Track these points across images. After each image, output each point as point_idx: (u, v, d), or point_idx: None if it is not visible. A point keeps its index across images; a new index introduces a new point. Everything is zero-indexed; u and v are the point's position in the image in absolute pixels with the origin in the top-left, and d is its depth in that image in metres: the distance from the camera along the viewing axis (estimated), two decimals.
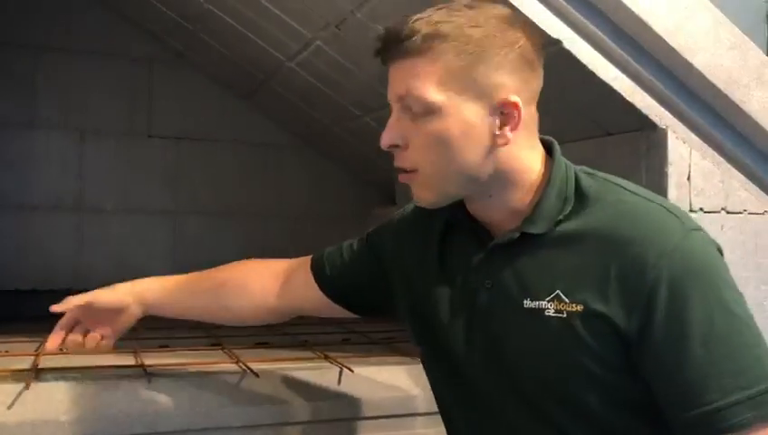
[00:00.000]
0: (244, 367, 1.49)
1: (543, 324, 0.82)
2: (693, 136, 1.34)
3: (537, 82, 0.87)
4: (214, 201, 2.73)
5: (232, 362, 1.57)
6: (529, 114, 0.85)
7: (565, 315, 0.81)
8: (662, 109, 1.33)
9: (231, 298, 1.27)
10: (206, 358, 1.63)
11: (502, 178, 0.86)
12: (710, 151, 1.36)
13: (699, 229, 0.81)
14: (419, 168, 0.84)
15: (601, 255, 0.80)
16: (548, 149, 0.90)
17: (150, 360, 1.56)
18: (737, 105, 1.35)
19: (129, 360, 1.59)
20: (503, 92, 0.82)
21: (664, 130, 1.32)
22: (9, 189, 2.45)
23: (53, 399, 1.31)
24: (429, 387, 1.06)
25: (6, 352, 1.72)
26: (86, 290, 2.50)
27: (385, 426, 1.45)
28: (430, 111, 0.81)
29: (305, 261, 1.25)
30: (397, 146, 0.85)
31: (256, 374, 1.44)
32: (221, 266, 1.33)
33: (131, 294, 1.32)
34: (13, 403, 1.25)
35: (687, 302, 0.75)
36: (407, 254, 1.02)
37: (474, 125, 0.82)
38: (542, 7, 1.22)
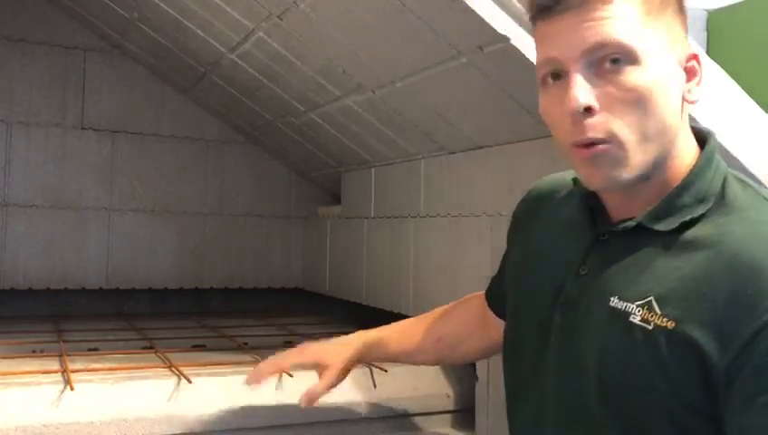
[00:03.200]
0: (177, 372, 1.42)
1: (625, 330, 0.71)
2: None
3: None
4: (151, 198, 2.63)
5: (164, 368, 1.49)
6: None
7: (651, 327, 0.69)
8: None
9: (449, 354, 1.20)
10: (139, 362, 1.55)
11: (667, 151, 0.74)
12: None
13: None
14: (616, 134, 0.70)
15: (716, 272, 0.67)
16: (700, 140, 0.79)
17: (76, 365, 1.47)
18: None
19: (53, 365, 1.50)
20: (685, 43, 0.74)
21: None
22: None
23: None
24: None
25: None
26: (11, 290, 2.39)
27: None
28: (632, 59, 0.70)
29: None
30: (589, 110, 0.70)
31: (189, 380, 1.37)
32: (427, 319, 1.20)
33: (358, 354, 1.19)
34: None
35: None
36: (522, 229, 0.95)
37: (671, 78, 0.72)
38: (489, 2, 1.18)
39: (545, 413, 0.81)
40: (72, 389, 1.28)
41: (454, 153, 1.71)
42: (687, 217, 0.73)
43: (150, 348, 1.76)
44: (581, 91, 0.70)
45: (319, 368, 1.16)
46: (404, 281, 1.92)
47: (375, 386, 1.52)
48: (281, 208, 2.80)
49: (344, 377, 1.17)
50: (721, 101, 1.23)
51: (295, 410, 1.32)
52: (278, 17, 1.57)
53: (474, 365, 1.53)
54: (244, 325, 2.25)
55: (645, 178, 0.74)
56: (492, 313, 1.08)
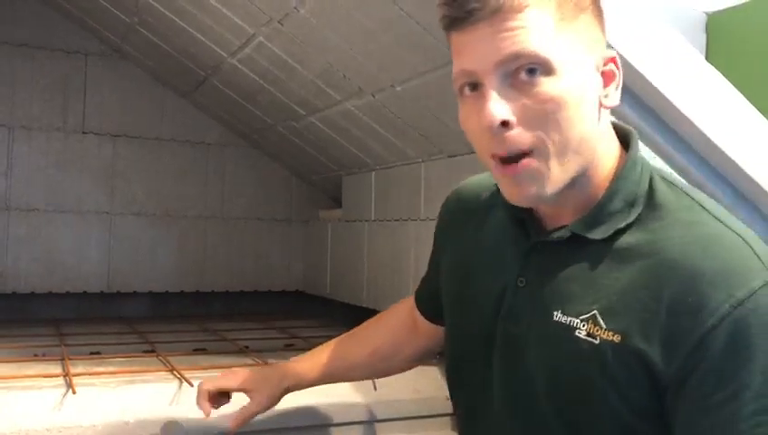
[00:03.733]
0: (178, 375, 1.43)
1: (570, 344, 0.71)
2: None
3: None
4: (152, 202, 2.63)
5: (166, 371, 1.50)
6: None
7: (597, 342, 0.69)
8: None
9: (383, 366, 1.17)
10: (140, 365, 1.56)
11: (588, 160, 0.73)
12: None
13: None
14: (536, 146, 0.69)
15: (657, 279, 0.67)
16: (622, 139, 0.78)
17: (78, 368, 1.48)
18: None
19: (55, 369, 1.51)
20: (602, 46, 0.72)
21: None
22: None
23: None
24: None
25: None
26: (13, 294, 2.39)
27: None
28: (547, 70, 0.68)
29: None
30: (506, 124, 0.69)
31: (190, 383, 1.37)
32: (359, 334, 1.18)
33: (285, 384, 1.14)
34: None
35: (750, 361, 0.63)
36: (450, 233, 0.94)
37: (587, 85, 0.71)
38: None
39: (500, 428, 0.80)
40: (74, 392, 1.29)
41: (454, 156, 1.72)
42: (622, 224, 0.72)
43: (152, 351, 1.76)
44: (496, 106, 0.68)
45: (247, 393, 1.13)
46: (405, 284, 1.93)
47: (375, 388, 1.52)
48: (281, 212, 2.81)
49: (273, 404, 1.14)
50: (719, 107, 1.23)
51: (295, 414, 1.33)
52: (278, 22, 1.58)
53: None
54: (245, 328, 2.26)
55: (569, 187, 0.73)
56: (421, 318, 1.07)
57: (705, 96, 1.26)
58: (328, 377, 1.15)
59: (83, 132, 2.54)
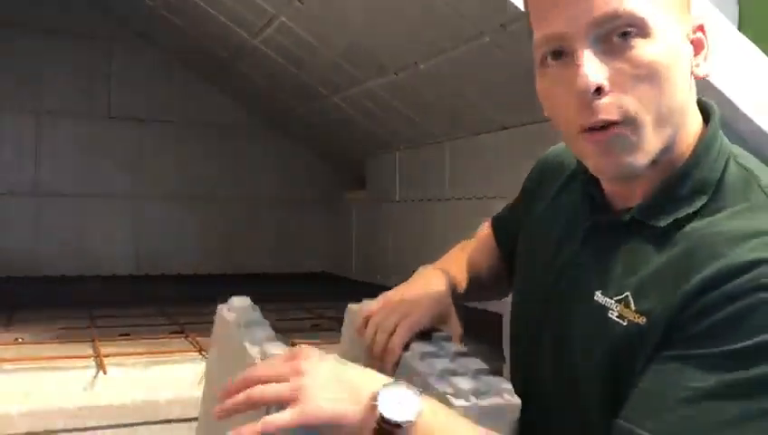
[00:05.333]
0: (206, 356, 1.44)
1: (604, 325, 0.69)
2: None
3: None
4: (177, 185, 2.66)
5: (194, 351, 1.52)
6: None
7: (625, 323, 0.67)
8: None
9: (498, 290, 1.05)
10: (169, 346, 1.58)
11: (676, 133, 0.68)
12: None
13: None
14: (631, 114, 0.65)
15: (689, 263, 0.64)
16: (704, 115, 0.73)
17: (108, 349, 1.50)
18: None
19: (86, 350, 1.53)
20: (690, 13, 0.69)
21: None
22: None
23: (2, 392, 1.25)
24: None
25: None
26: (45, 278, 2.44)
27: None
28: (644, 32, 0.63)
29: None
30: (600, 90, 0.64)
31: None
32: (474, 254, 1.06)
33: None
34: None
35: (731, 333, 0.59)
36: (535, 194, 0.91)
37: (681, 51, 0.66)
38: None
39: (550, 411, 0.78)
40: (104, 372, 1.31)
41: (478, 135, 1.70)
42: (682, 214, 0.68)
43: (180, 332, 1.78)
44: (591, 69, 0.64)
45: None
46: (430, 263, 1.92)
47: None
48: (307, 193, 2.81)
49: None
50: (752, 79, 1.20)
51: None
52: (299, 1, 1.57)
53: (501, 347, 1.53)
54: (271, 309, 2.26)
55: (654, 162, 0.69)
56: (495, 244, 1.02)
57: (738, 67, 1.23)
58: (469, 294, 1.01)
59: (110, 117, 2.56)
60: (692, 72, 0.69)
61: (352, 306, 0.96)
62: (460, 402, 0.72)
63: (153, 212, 2.62)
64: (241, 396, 0.69)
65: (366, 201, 2.45)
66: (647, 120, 0.65)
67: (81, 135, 2.52)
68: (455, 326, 0.90)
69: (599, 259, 0.74)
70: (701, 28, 0.69)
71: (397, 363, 0.84)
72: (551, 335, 0.78)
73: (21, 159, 2.43)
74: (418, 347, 0.83)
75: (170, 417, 1.33)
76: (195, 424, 1.15)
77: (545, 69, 0.69)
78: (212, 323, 2.14)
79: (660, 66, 0.64)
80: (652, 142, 0.66)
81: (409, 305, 0.88)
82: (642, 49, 0.64)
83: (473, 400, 0.73)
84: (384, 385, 0.65)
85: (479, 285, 1.01)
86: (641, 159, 0.67)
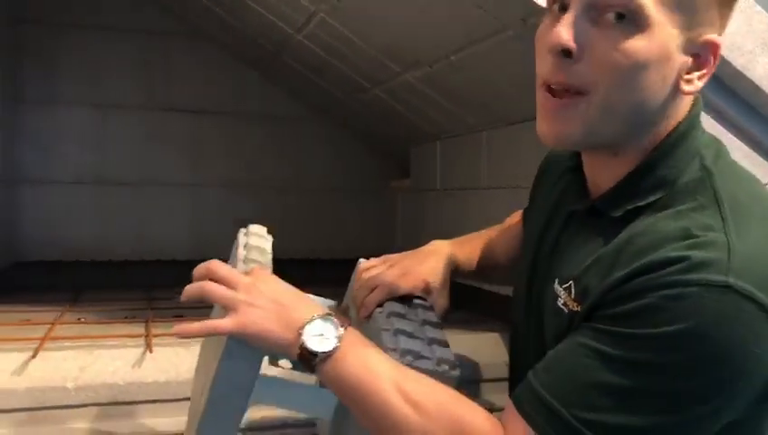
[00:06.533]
0: None
1: (552, 312, 0.74)
2: None
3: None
4: (232, 174, 2.77)
5: None
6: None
7: (566, 311, 0.71)
8: None
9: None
10: None
11: (639, 134, 0.71)
12: (711, 121, 1.32)
13: (753, 300, 0.60)
14: (591, 89, 0.66)
15: (623, 251, 0.67)
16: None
17: (159, 329, 1.61)
18: (740, 72, 1.30)
19: (139, 330, 1.65)
20: (709, 30, 0.67)
21: None
22: (31, 164, 2.52)
23: (61, 366, 1.37)
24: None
25: (28, 320, 1.79)
26: (108, 262, 2.59)
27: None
28: (635, 21, 0.64)
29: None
30: (569, 52, 0.66)
31: None
32: (497, 237, 1.11)
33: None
34: (22, 370, 1.32)
35: (646, 319, 0.62)
36: (537, 190, 0.97)
37: (667, 59, 0.66)
38: None
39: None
40: (150, 351, 1.41)
41: (513, 124, 1.72)
42: (632, 207, 0.70)
43: None
44: (565, 30, 0.66)
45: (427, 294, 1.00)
46: None
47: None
48: (355, 182, 2.88)
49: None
50: None
51: None
52: None
53: None
54: (320, 293, 2.35)
55: (612, 153, 0.72)
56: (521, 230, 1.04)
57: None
58: (478, 274, 1.06)
59: (168, 110, 2.69)
60: (678, 86, 0.68)
61: (360, 262, 1.03)
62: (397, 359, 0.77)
63: (209, 200, 2.74)
64: (196, 285, 0.80)
65: (409, 190, 2.50)
66: (598, 102, 0.67)
67: (140, 126, 2.65)
68: (439, 300, 0.97)
69: (565, 247, 0.78)
70: (713, 49, 0.67)
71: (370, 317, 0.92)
72: (533, 321, 0.82)
73: (85, 150, 2.59)
74: (390, 307, 0.91)
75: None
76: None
77: (549, 14, 0.71)
78: None
79: (635, 62, 0.65)
80: (596, 126, 0.69)
81: (397, 271, 0.95)
82: (628, 38, 0.65)
83: (408, 359, 0.78)
84: (313, 317, 0.73)
85: (493, 266, 1.06)
86: (578, 134, 0.69)
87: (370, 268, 0.98)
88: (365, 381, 0.69)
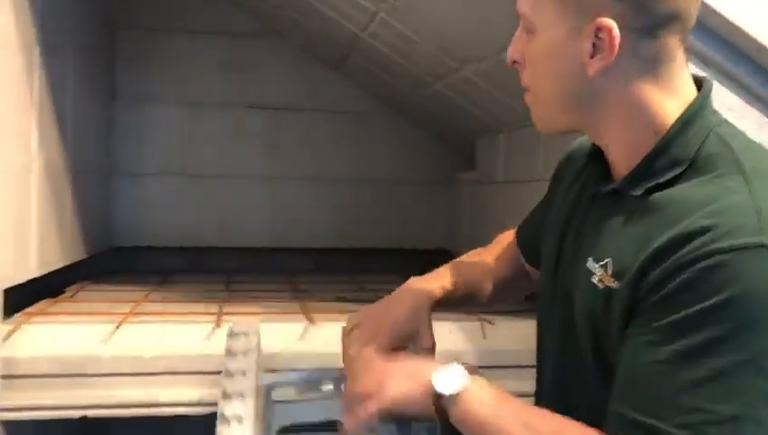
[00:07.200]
0: (308, 318, 1.65)
1: (589, 289, 0.76)
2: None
3: (666, 9, 0.72)
4: (309, 167, 2.92)
5: (300, 313, 1.74)
6: (649, 47, 0.72)
7: (602, 287, 0.74)
8: None
9: (505, 295, 1.15)
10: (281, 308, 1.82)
11: (612, 119, 0.77)
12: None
13: None
14: (530, 87, 0.81)
15: (654, 228, 0.70)
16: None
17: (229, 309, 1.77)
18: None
19: (214, 308, 1.80)
20: (604, 14, 0.71)
21: None
22: (126, 158, 2.76)
23: (140, 338, 1.54)
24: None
25: (118, 298, 1.99)
26: (194, 248, 2.78)
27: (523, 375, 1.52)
28: (531, 29, 0.77)
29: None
30: (516, 63, 0.81)
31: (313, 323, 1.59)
32: (479, 262, 1.13)
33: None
34: (108, 340, 1.50)
35: (682, 303, 0.64)
36: (558, 186, 0.98)
37: (562, 49, 0.75)
38: None
39: (554, 365, 0.87)
40: (218, 327, 1.55)
41: None
42: (652, 183, 0.74)
43: (298, 297, 2.02)
44: (510, 47, 0.81)
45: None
46: None
47: (485, 337, 1.65)
48: (425, 174, 2.97)
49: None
50: None
51: None
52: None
53: None
54: (388, 281, 2.46)
55: (598, 136, 0.80)
56: (519, 252, 1.08)
57: None
58: (455, 301, 1.07)
59: (249, 107, 2.86)
60: (584, 67, 0.74)
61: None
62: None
63: (287, 192, 2.90)
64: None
65: (474, 182, 2.56)
66: (535, 96, 0.81)
67: (224, 122, 2.84)
68: (425, 341, 0.98)
69: (593, 227, 0.81)
70: (607, 31, 0.71)
71: None
72: (559, 303, 0.85)
73: (172, 144, 2.80)
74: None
75: (275, 367, 1.55)
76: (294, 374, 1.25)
77: None
78: (330, 292, 2.34)
79: (537, 59, 0.78)
80: (545, 114, 0.82)
81: (375, 327, 0.97)
82: (529, 42, 0.78)
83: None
84: (439, 367, 0.78)
85: (476, 291, 1.07)
86: (540, 121, 0.82)
87: (347, 331, 0.99)
88: (494, 421, 0.74)
